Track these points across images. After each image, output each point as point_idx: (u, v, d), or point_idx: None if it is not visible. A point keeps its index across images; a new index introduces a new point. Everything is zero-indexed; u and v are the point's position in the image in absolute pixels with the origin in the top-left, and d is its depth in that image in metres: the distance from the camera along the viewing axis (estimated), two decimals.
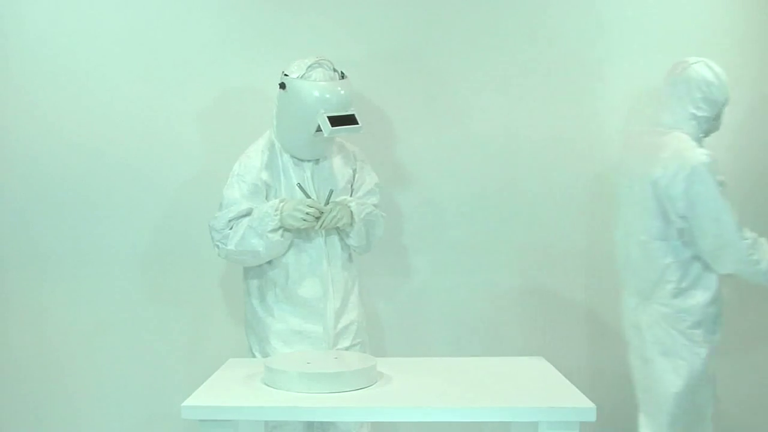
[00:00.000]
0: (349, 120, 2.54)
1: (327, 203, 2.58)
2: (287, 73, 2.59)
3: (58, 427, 3.31)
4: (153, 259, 3.26)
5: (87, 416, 3.31)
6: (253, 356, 2.72)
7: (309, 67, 2.57)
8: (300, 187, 2.61)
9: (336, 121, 2.51)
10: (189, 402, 2.00)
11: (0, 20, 3.18)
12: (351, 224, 2.63)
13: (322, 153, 2.69)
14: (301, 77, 2.55)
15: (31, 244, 3.26)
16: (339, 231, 2.67)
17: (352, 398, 2.05)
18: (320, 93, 2.52)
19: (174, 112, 3.20)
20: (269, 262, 2.67)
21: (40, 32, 3.18)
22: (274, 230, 2.54)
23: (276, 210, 2.54)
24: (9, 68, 3.20)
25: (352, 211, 2.63)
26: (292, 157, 2.69)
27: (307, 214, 2.52)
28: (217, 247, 2.64)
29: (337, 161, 2.73)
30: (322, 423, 2.69)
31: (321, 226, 2.56)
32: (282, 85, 2.60)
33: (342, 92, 2.55)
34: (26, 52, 3.18)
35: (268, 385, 2.15)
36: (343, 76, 2.62)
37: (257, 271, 2.71)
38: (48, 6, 3.18)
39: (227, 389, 2.14)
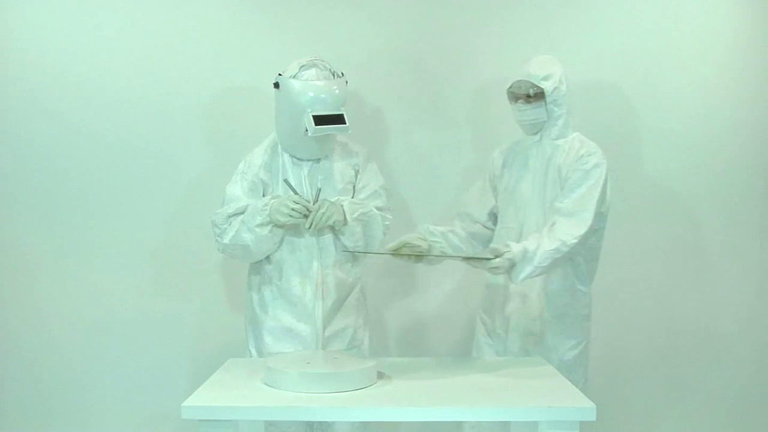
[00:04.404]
0: (337, 120, 2.53)
1: (315, 201, 2.58)
2: (281, 73, 2.60)
3: (59, 424, 3.32)
4: (158, 256, 3.28)
5: (89, 413, 3.33)
6: (249, 352, 2.75)
7: (302, 66, 2.58)
8: (287, 182, 2.62)
9: (323, 120, 2.51)
10: (189, 402, 2.00)
11: (3, 18, 3.19)
12: (344, 223, 2.62)
13: (321, 152, 2.69)
14: (293, 77, 2.56)
15: (31, 240, 3.27)
16: (334, 231, 2.66)
17: (352, 398, 2.05)
18: (307, 92, 2.53)
19: (180, 110, 3.22)
20: (268, 260, 2.69)
21: (44, 32, 3.20)
22: (262, 225, 2.54)
23: (265, 205, 2.56)
24: (12, 68, 3.21)
25: (344, 211, 2.62)
26: (292, 156, 2.69)
27: (293, 209, 2.52)
28: (217, 241, 2.68)
29: (337, 161, 2.73)
30: (321, 423, 2.70)
31: (311, 224, 2.54)
32: (276, 85, 2.61)
33: (328, 92, 2.55)
34: (30, 52, 3.20)
35: (268, 385, 2.15)
36: (340, 76, 2.62)
37: (257, 268, 2.73)
38: (50, 6, 3.19)
39: (227, 389, 2.13)
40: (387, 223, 2.74)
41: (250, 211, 2.59)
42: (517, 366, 2.40)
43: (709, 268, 3.33)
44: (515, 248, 2.32)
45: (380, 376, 2.23)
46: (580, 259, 2.62)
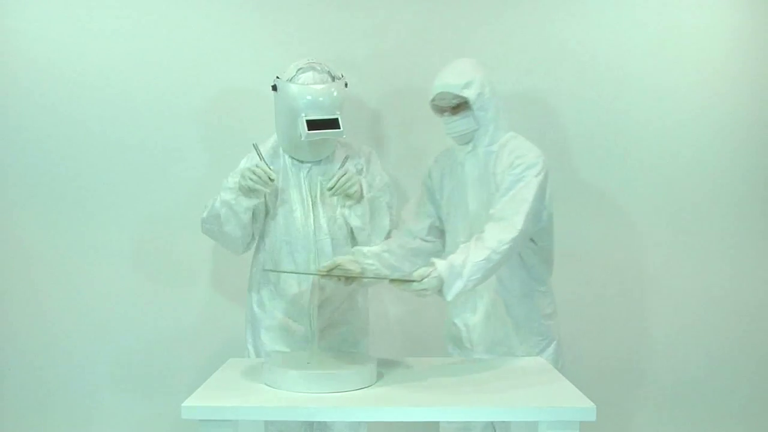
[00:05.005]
0: (331, 124, 2.53)
1: (341, 167, 2.60)
2: (279, 76, 2.60)
3: (60, 425, 3.33)
4: (158, 255, 3.29)
5: (89, 413, 3.33)
6: (248, 350, 2.77)
7: (299, 69, 2.58)
8: (255, 147, 2.63)
9: (317, 125, 2.51)
10: (189, 402, 2.00)
11: (2, 17, 3.19)
12: (359, 200, 2.60)
13: (319, 155, 2.70)
14: (290, 80, 2.56)
15: (32, 240, 3.28)
16: (345, 208, 2.64)
17: (352, 398, 2.05)
18: (302, 96, 2.53)
19: (179, 111, 3.23)
20: (269, 260, 2.70)
21: (42, 32, 3.20)
22: (228, 189, 2.57)
23: (235, 172, 2.60)
24: (11, 69, 3.21)
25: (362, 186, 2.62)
26: (291, 158, 2.70)
27: (254, 173, 2.52)
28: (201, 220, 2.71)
29: (339, 162, 2.73)
30: (321, 422, 2.71)
31: (333, 187, 2.54)
32: (274, 87, 2.60)
33: (324, 95, 2.54)
34: (28, 52, 3.20)
35: (268, 385, 2.15)
36: (339, 78, 2.62)
37: (259, 266, 2.75)
38: (49, 7, 3.19)
39: (227, 389, 2.14)
40: (392, 218, 2.74)
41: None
42: (517, 366, 2.40)
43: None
44: (440, 265, 2.19)
45: (380, 376, 2.23)
46: (534, 261, 2.55)
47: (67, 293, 3.28)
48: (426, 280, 2.16)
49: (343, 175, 2.55)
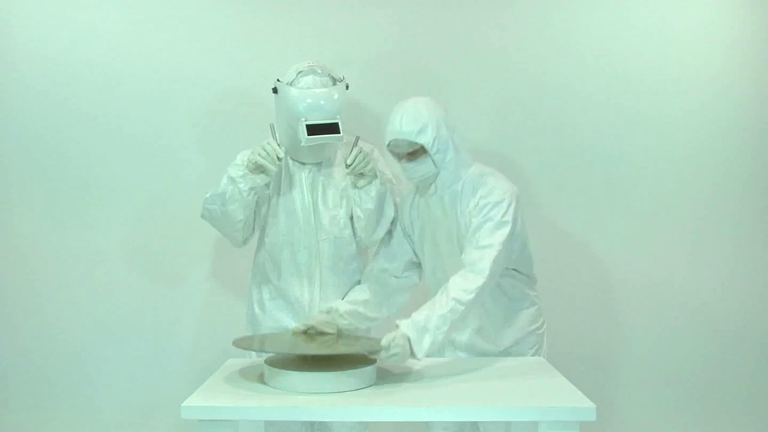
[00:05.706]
0: (330, 129, 2.52)
1: (354, 147, 2.57)
2: (280, 79, 2.60)
3: (60, 424, 3.33)
4: (158, 255, 3.29)
5: (89, 413, 3.33)
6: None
7: (300, 72, 2.57)
8: (271, 126, 2.60)
9: (316, 129, 2.50)
10: (189, 402, 2.00)
11: (5, 17, 3.20)
12: (371, 180, 2.58)
13: (319, 158, 2.70)
14: (290, 83, 2.56)
15: (33, 241, 3.29)
16: (357, 188, 2.61)
17: (352, 398, 2.05)
18: (302, 100, 2.52)
19: (175, 109, 3.23)
20: (269, 259, 2.70)
21: (42, 32, 3.21)
22: (236, 165, 2.56)
23: (245, 152, 2.60)
24: (10, 67, 3.21)
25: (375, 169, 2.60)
26: (293, 159, 2.70)
27: (264, 149, 2.51)
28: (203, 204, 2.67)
29: (340, 162, 2.72)
30: (321, 422, 2.71)
31: (352, 162, 2.51)
32: (274, 90, 2.60)
33: (324, 100, 2.53)
34: (28, 55, 3.21)
35: (268, 385, 2.15)
36: (340, 80, 2.61)
37: (259, 266, 2.75)
38: (48, 6, 3.20)
39: (227, 389, 2.14)
40: (395, 212, 2.71)
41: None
42: (517, 366, 2.40)
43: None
44: (403, 325, 2.19)
45: (380, 376, 2.23)
46: (512, 282, 2.51)
47: (66, 293, 3.28)
48: (392, 344, 2.16)
49: (359, 152, 2.53)
